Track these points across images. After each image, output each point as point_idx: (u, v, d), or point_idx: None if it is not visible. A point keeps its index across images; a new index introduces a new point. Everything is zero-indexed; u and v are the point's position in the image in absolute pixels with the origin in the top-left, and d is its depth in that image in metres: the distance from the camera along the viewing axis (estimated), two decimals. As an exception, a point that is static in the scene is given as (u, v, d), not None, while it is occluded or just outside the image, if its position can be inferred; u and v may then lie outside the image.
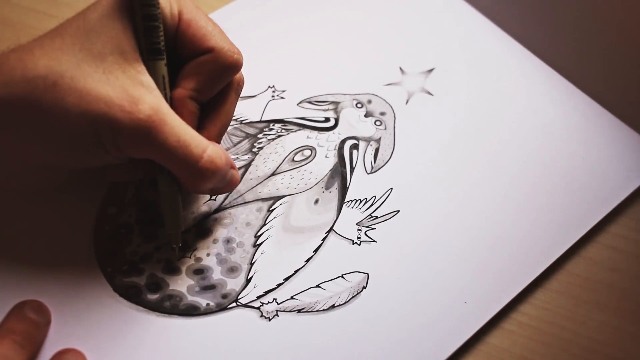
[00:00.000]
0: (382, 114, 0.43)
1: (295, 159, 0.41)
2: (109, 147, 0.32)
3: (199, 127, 0.35)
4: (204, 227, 0.38)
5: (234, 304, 0.36)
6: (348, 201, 0.39)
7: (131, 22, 0.32)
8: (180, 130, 0.32)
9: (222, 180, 0.35)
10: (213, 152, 0.33)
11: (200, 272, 0.37)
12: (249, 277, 0.37)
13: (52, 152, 0.32)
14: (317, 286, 0.36)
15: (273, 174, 0.40)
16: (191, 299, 0.36)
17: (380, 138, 0.42)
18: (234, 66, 0.35)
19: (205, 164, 0.33)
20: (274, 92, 0.43)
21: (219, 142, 0.36)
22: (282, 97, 0.43)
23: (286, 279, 0.37)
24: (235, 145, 0.41)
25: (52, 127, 0.31)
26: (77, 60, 0.31)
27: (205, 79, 0.35)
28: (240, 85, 0.37)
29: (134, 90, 0.31)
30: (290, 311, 0.36)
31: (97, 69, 0.31)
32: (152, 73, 0.33)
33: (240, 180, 0.40)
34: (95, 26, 0.32)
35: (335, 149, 0.41)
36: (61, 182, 0.37)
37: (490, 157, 0.41)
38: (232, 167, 0.35)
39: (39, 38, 0.32)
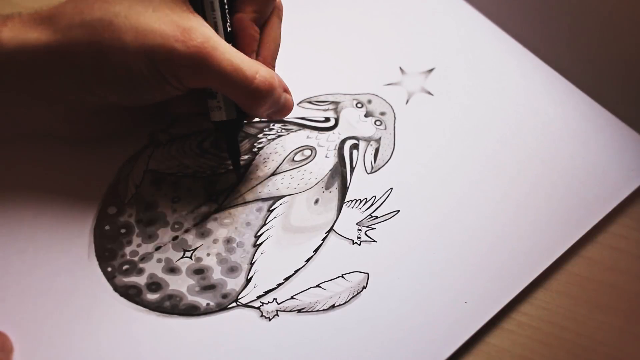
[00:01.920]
0: (382, 114, 0.43)
1: (296, 159, 0.41)
2: (169, 78, 0.34)
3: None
4: (204, 227, 0.38)
5: (234, 304, 0.36)
6: (348, 201, 0.39)
7: None
8: (232, 54, 0.34)
9: (277, 103, 0.36)
10: (266, 73, 0.35)
11: (200, 272, 0.37)
12: (249, 277, 0.37)
13: (114, 91, 0.35)
14: (317, 286, 0.36)
15: (273, 174, 0.40)
16: (191, 299, 0.36)
17: (380, 138, 0.42)
18: None
19: (259, 83, 0.34)
20: (274, 92, 0.43)
21: (272, 67, 0.38)
22: (282, 97, 0.43)
23: (286, 279, 0.37)
24: (235, 145, 0.41)
25: (114, 64, 0.33)
26: (128, 2, 0.33)
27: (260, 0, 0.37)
28: (280, 9, 0.39)
29: (184, 23, 0.33)
30: (290, 311, 0.36)
31: (147, 8, 0.33)
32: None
33: (241, 180, 0.40)
34: None
35: (335, 149, 0.41)
36: (114, 130, 0.39)
37: (490, 156, 0.41)
38: (286, 90, 0.37)
39: None
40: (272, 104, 0.36)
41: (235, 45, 0.36)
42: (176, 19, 0.33)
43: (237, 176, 0.39)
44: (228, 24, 0.36)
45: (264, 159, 0.40)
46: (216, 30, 0.35)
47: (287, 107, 0.38)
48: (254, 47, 0.37)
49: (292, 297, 0.36)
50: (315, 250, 0.37)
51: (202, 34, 0.33)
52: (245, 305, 0.36)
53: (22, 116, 0.37)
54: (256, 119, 0.42)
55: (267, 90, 0.35)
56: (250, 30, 0.36)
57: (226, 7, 0.36)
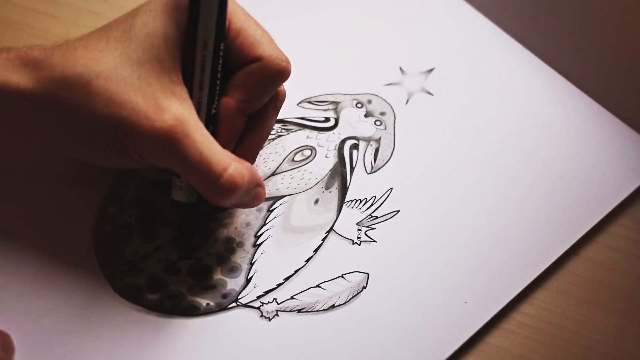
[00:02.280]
0: (382, 114, 0.43)
1: (295, 159, 0.41)
2: (132, 153, 0.32)
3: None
4: (204, 227, 0.38)
5: (234, 304, 0.36)
6: (348, 201, 0.39)
7: (177, 29, 0.33)
8: (204, 145, 0.32)
9: (244, 197, 0.34)
10: (235, 171, 0.32)
11: (200, 272, 0.37)
12: (249, 277, 0.37)
13: (77, 149, 0.34)
14: (317, 286, 0.36)
15: (273, 174, 0.40)
16: (191, 299, 0.36)
17: (380, 138, 0.42)
18: (282, 74, 0.35)
19: (224, 182, 0.32)
20: (274, 92, 0.43)
21: (252, 159, 0.36)
22: (282, 97, 0.43)
23: (286, 279, 0.37)
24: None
25: (79, 125, 0.32)
26: (115, 64, 0.32)
27: (254, 88, 0.34)
28: (280, 99, 0.36)
29: (163, 99, 0.32)
30: (290, 311, 0.36)
31: (133, 74, 0.32)
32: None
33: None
34: (139, 32, 0.32)
35: (335, 149, 0.41)
36: (87, 176, 0.38)
37: (490, 157, 0.41)
38: (258, 184, 0.35)
39: (86, 37, 0.33)
40: (238, 200, 0.34)
41: (214, 131, 0.34)
42: (157, 93, 0.32)
43: (180, 254, 0.37)
44: (215, 105, 0.34)
45: (264, 159, 0.40)
46: (198, 111, 0.33)
47: (255, 201, 0.35)
48: (234, 137, 0.35)
49: (292, 297, 0.36)
50: (315, 250, 0.38)
51: (176, 115, 0.31)
52: (245, 305, 0.36)
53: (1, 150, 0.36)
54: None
55: (231, 190, 0.32)
56: (234, 119, 0.34)
57: (217, 88, 0.34)
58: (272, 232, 0.38)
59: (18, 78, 0.32)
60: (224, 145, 0.33)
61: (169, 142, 0.31)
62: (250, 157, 0.36)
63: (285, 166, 0.40)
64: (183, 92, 0.33)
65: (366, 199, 0.40)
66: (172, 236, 0.37)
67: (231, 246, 0.37)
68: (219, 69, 0.33)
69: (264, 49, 0.34)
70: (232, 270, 0.37)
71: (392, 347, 0.35)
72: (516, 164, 0.41)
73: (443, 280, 0.37)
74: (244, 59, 0.34)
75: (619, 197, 0.40)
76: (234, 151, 0.35)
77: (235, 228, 0.38)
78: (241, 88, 0.34)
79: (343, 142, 0.42)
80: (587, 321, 0.37)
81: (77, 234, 0.37)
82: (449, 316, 0.36)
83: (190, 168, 0.32)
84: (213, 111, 0.34)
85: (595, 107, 0.44)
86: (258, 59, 0.34)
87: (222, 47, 0.33)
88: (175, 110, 0.32)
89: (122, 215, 0.38)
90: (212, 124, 0.34)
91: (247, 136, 0.36)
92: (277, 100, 0.36)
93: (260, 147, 0.37)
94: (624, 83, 0.46)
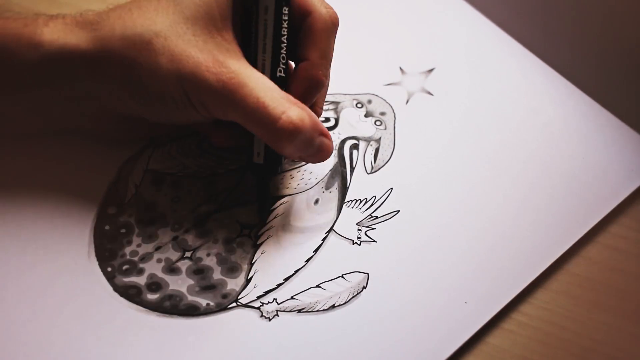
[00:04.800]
0: (382, 114, 0.43)
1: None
2: (196, 105, 0.34)
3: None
4: (204, 227, 0.38)
5: (234, 304, 0.36)
6: (348, 201, 0.39)
7: None
8: (262, 91, 0.33)
9: (309, 146, 0.35)
10: (294, 114, 0.33)
11: (200, 272, 0.37)
12: (249, 277, 0.37)
13: (142, 106, 0.35)
14: (317, 286, 0.36)
15: (273, 174, 0.40)
16: (191, 299, 0.36)
17: (380, 138, 0.42)
18: (334, 23, 0.36)
19: (283, 124, 0.33)
20: (274, 92, 0.43)
21: (319, 108, 0.38)
22: (282, 97, 0.43)
23: (286, 279, 0.37)
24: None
25: (145, 82, 0.33)
26: (170, 22, 0.33)
27: (323, 43, 0.36)
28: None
29: (219, 54, 0.33)
30: (290, 311, 0.36)
31: (187, 32, 0.33)
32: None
33: (241, 180, 0.40)
34: None
35: (335, 149, 0.41)
36: (143, 136, 0.40)
37: (490, 157, 0.41)
38: (323, 133, 0.35)
39: (137, 0, 0.35)
40: (302, 147, 0.34)
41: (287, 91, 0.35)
42: (213, 48, 0.33)
43: (260, 216, 0.38)
44: (280, 68, 0.35)
45: (264, 159, 0.40)
46: (262, 71, 0.35)
47: (322, 153, 0.36)
48: (311, 96, 0.36)
49: (292, 297, 0.36)
50: (315, 250, 0.38)
51: (234, 67, 0.33)
52: (245, 306, 0.36)
53: (54, 113, 0.37)
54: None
55: (290, 132, 0.33)
56: (310, 79, 0.36)
57: (283, 51, 0.35)
58: (272, 232, 0.38)
59: (77, 39, 0.33)
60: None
61: (230, 91, 0.33)
62: (318, 107, 0.38)
63: (285, 166, 0.40)
64: (237, 49, 0.34)
65: (366, 199, 0.40)
66: (172, 237, 0.37)
67: (231, 246, 0.37)
68: (283, 32, 0.35)
69: (312, 2, 0.36)
70: (232, 270, 0.37)
71: (392, 347, 0.35)
72: (516, 164, 0.41)
73: (443, 280, 0.37)
74: (296, 14, 0.36)
75: (619, 197, 0.40)
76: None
77: (236, 228, 0.38)
78: (313, 46, 0.36)
79: (343, 142, 0.42)
80: (587, 321, 0.37)
81: (77, 234, 0.37)
82: (449, 316, 0.36)
83: (248, 113, 0.33)
84: (279, 74, 0.35)
85: (595, 107, 0.44)
86: (308, 13, 0.36)
87: (285, 11, 0.34)
88: (232, 63, 0.33)
89: (122, 215, 0.38)
90: (280, 85, 0.35)
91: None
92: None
93: (324, 98, 0.39)
94: (624, 83, 0.46)
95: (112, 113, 0.36)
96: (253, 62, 0.35)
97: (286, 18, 0.35)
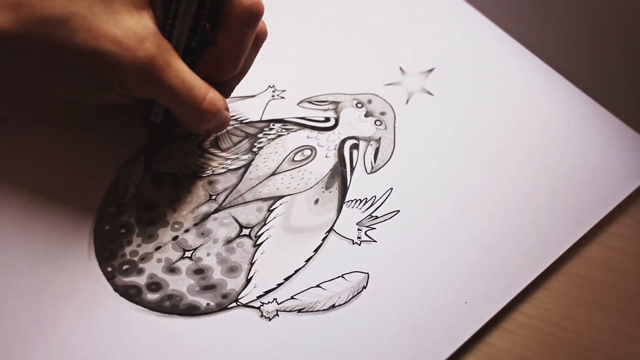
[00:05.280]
0: (382, 113, 0.43)
1: (296, 158, 0.41)
2: (115, 85, 0.34)
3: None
4: (204, 227, 0.38)
5: (234, 304, 0.36)
6: (348, 201, 0.39)
7: None
8: (185, 73, 0.34)
9: (219, 123, 0.37)
10: (214, 96, 0.35)
11: (200, 272, 0.37)
12: (249, 277, 0.37)
13: (62, 87, 0.35)
14: (317, 286, 0.36)
15: (273, 174, 0.40)
16: (191, 299, 0.36)
17: (380, 138, 0.42)
18: (253, 14, 0.35)
19: (207, 106, 0.35)
20: (274, 91, 0.43)
21: (228, 94, 0.39)
22: (282, 97, 0.43)
23: (286, 279, 0.37)
24: (235, 145, 0.41)
25: (63, 63, 0.33)
26: (89, 3, 0.33)
27: (236, 31, 0.35)
28: (260, 38, 0.37)
29: (140, 32, 0.33)
30: (290, 311, 0.36)
31: (107, 10, 0.33)
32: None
33: (241, 180, 0.40)
34: None
35: (335, 149, 0.41)
36: (77, 120, 0.40)
37: (490, 157, 0.41)
38: (226, 108, 0.38)
39: None
40: (214, 125, 0.37)
41: (193, 63, 0.35)
42: (133, 26, 0.33)
43: (144, 167, 0.39)
44: (196, 38, 0.35)
45: (264, 158, 0.40)
46: (177, 43, 0.34)
47: (224, 125, 0.38)
48: (212, 72, 0.36)
49: (292, 297, 0.36)
50: (316, 250, 0.38)
51: (156, 45, 0.33)
52: (245, 305, 0.36)
53: None
54: (256, 119, 0.42)
55: (213, 112, 0.35)
56: (217, 61, 0.36)
57: (201, 20, 0.35)
58: (272, 232, 0.38)
59: (1, 21, 0.33)
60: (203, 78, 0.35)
61: (152, 71, 0.33)
62: (227, 92, 0.38)
63: (285, 166, 0.40)
64: (155, 28, 0.34)
65: (366, 199, 0.40)
66: (172, 237, 0.37)
67: (231, 246, 0.37)
68: (203, 8, 0.34)
69: None
70: (232, 270, 0.37)
71: (392, 347, 0.35)
72: (516, 164, 0.41)
73: (443, 280, 0.37)
74: None
75: (619, 197, 0.40)
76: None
77: (236, 228, 0.38)
78: (225, 33, 0.35)
79: (343, 142, 0.42)
80: (587, 321, 0.37)
81: (77, 234, 0.37)
82: (449, 316, 0.36)
83: (174, 95, 0.34)
84: (193, 44, 0.35)
85: (595, 107, 0.44)
86: None
87: None
88: (156, 40, 0.33)
89: (122, 215, 0.38)
90: (190, 56, 0.35)
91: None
92: (258, 40, 0.37)
93: (236, 84, 0.39)
94: (624, 83, 0.46)
95: (42, 96, 0.36)
96: (169, 34, 0.35)
97: None
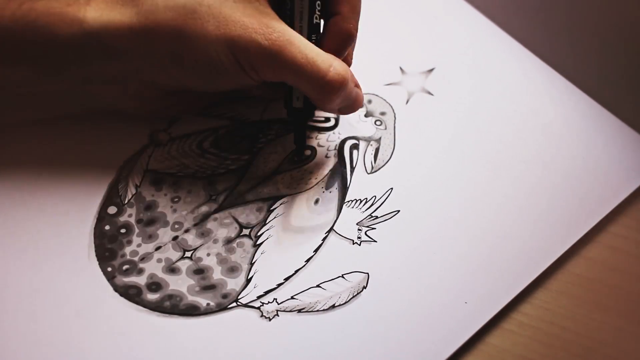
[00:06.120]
0: (382, 113, 0.43)
1: (296, 158, 0.41)
2: (247, 68, 0.35)
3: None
4: (204, 227, 0.38)
5: (234, 304, 0.36)
6: (348, 201, 0.39)
7: None
8: (307, 48, 0.35)
9: (349, 97, 0.37)
10: (339, 66, 0.35)
11: (200, 272, 0.37)
12: (249, 277, 0.37)
13: (191, 76, 0.36)
14: (318, 286, 0.36)
15: (273, 174, 0.40)
16: (191, 299, 0.36)
17: (380, 138, 0.42)
18: None
19: (333, 76, 0.35)
20: (274, 92, 0.43)
21: (350, 60, 0.40)
22: (282, 97, 0.43)
23: (286, 279, 0.37)
24: (235, 145, 0.41)
25: (194, 51, 0.34)
26: None
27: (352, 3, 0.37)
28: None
29: (262, 17, 0.34)
30: (290, 311, 0.36)
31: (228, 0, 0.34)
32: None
33: (241, 180, 0.40)
34: None
35: (335, 149, 0.41)
36: (180, 112, 0.41)
37: (490, 157, 0.41)
38: (357, 85, 0.38)
39: None
40: (345, 98, 0.37)
41: (317, 41, 0.37)
42: (254, 12, 0.34)
43: (297, 154, 0.41)
44: (316, 15, 0.37)
45: (264, 158, 0.40)
46: (300, 23, 0.36)
47: (357, 102, 0.38)
48: (337, 43, 0.37)
49: (292, 297, 0.36)
50: (316, 250, 0.38)
51: (278, 27, 0.34)
52: (246, 305, 0.36)
53: (95, 92, 0.37)
54: (256, 119, 0.42)
55: (339, 84, 0.35)
56: (341, 33, 0.37)
57: (316, 16, 0.37)
58: (272, 232, 0.38)
59: (121, 16, 0.34)
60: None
61: (279, 50, 0.34)
62: (349, 59, 0.39)
63: (285, 166, 0.40)
64: (273, 12, 0.35)
65: (366, 199, 0.40)
66: (172, 237, 0.37)
67: (231, 246, 0.37)
68: None
69: None
70: (232, 270, 0.37)
71: (392, 347, 0.35)
72: (516, 164, 0.41)
73: (443, 280, 0.37)
74: None
75: (619, 197, 0.40)
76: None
77: (236, 228, 0.38)
78: (342, 1, 0.37)
79: (343, 142, 0.42)
80: (587, 321, 0.37)
81: (77, 234, 0.37)
82: (449, 316, 0.36)
83: (299, 71, 0.34)
84: (315, 21, 0.37)
85: (595, 107, 0.44)
86: None
87: None
88: (274, 24, 0.34)
89: (122, 215, 0.38)
90: (315, 33, 0.37)
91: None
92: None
93: (352, 51, 0.40)
94: (624, 83, 0.46)
95: (154, 90, 0.37)
96: (290, 19, 0.36)
97: None
